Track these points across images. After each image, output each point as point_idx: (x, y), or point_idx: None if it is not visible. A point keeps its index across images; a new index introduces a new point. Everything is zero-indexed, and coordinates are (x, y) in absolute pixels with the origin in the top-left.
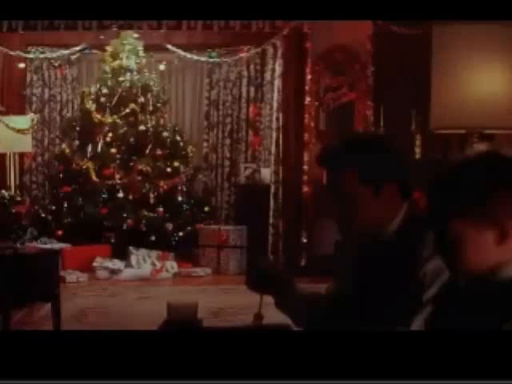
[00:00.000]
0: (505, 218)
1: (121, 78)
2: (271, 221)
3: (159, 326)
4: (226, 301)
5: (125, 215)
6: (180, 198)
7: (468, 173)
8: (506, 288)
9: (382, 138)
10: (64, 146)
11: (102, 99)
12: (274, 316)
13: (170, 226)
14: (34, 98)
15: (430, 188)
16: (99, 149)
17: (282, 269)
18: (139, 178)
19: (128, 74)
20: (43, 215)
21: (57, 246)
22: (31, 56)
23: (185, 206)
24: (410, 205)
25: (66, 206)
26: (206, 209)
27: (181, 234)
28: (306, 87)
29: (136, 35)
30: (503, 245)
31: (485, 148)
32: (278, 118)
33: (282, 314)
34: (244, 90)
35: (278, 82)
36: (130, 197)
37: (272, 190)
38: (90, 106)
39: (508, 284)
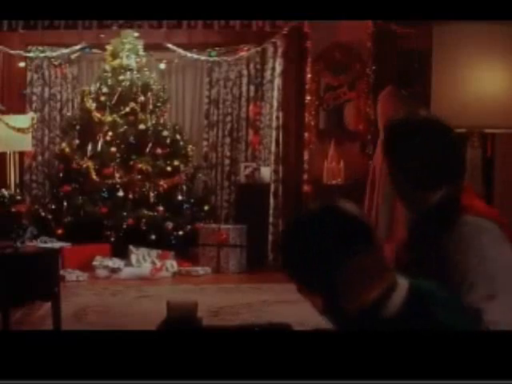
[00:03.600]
0: None
1: (121, 77)
2: (271, 220)
3: (159, 325)
4: (226, 300)
5: (125, 214)
6: (180, 197)
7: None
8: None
9: None
10: (64, 144)
11: (102, 98)
12: (274, 316)
13: (169, 224)
14: (34, 97)
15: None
16: (99, 148)
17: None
18: (139, 176)
19: (128, 73)
20: (43, 214)
21: (57, 245)
22: (31, 55)
23: (185, 204)
24: None
25: (65, 205)
26: (206, 208)
27: (181, 232)
28: (306, 86)
29: (136, 34)
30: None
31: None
32: (278, 117)
33: None
34: (244, 88)
35: (278, 81)
36: (130, 196)
37: (272, 188)
38: (90, 104)
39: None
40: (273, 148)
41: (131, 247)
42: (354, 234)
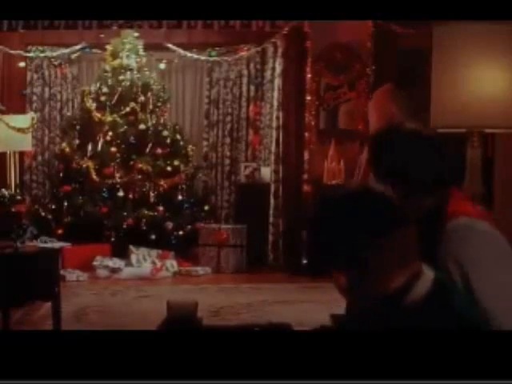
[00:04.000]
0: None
1: (121, 77)
2: (271, 220)
3: (159, 325)
4: (226, 300)
5: (125, 214)
6: (180, 197)
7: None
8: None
9: None
10: (64, 144)
11: (102, 98)
12: (274, 316)
13: (170, 224)
14: (35, 97)
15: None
16: (99, 148)
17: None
18: (139, 176)
19: (128, 72)
20: (43, 214)
21: (57, 245)
22: (31, 55)
23: (185, 204)
24: None
25: (66, 204)
26: (206, 208)
27: (181, 232)
28: (306, 86)
29: (136, 34)
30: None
31: None
32: (278, 117)
33: None
34: (244, 88)
35: (278, 81)
36: (130, 196)
37: (272, 188)
38: (90, 104)
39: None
40: (273, 148)
41: (131, 247)
42: (388, 217)
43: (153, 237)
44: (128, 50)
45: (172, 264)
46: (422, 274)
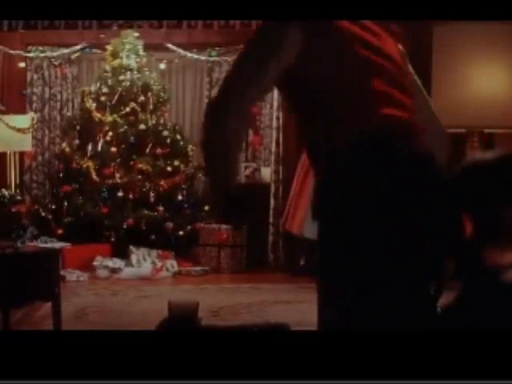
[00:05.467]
0: None
1: (121, 77)
2: (271, 220)
3: (158, 324)
4: (226, 300)
5: (125, 214)
6: (180, 197)
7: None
8: None
9: None
10: (64, 145)
11: (103, 98)
12: (274, 316)
13: (170, 225)
14: (35, 97)
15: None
16: (99, 148)
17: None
18: (139, 177)
19: (128, 73)
20: (43, 214)
21: (57, 245)
22: (31, 55)
23: (185, 204)
24: None
25: (66, 205)
26: (206, 208)
27: (181, 233)
28: None
29: (136, 34)
30: None
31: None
32: (278, 117)
33: None
34: None
35: None
36: (130, 196)
37: (272, 189)
38: (90, 105)
39: None
40: (273, 148)
41: (131, 247)
42: None
43: (153, 237)
44: (128, 50)
45: (172, 264)
46: None
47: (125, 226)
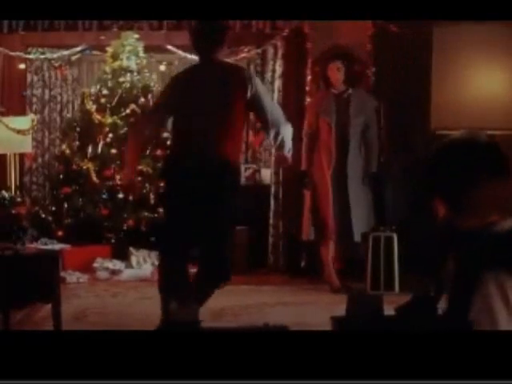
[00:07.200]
0: None
1: (121, 79)
2: (271, 221)
3: (158, 325)
4: (226, 301)
5: (125, 216)
6: None
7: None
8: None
9: None
10: (64, 146)
11: (103, 100)
12: (274, 317)
13: None
14: (35, 99)
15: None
16: (99, 149)
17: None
18: (139, 178)
19: (128, 74)
20: (43, 216)
21: (57, 246)
22: (31, 57)
23: None
24: None
25: (66, 206)
26: None
27: None
28: (307, 88)
29: (136, 36)
30: None
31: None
32: None
33: None
34: None
35: (278, 83)
36: (131, 197)
37: (272, 190)
38: (91, 106)
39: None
40: (273, 149)
41: (131, 249)
42: (496, 163)
43: (153, 238)
44: (128, 52)
45: None
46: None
47: (125, 228)
